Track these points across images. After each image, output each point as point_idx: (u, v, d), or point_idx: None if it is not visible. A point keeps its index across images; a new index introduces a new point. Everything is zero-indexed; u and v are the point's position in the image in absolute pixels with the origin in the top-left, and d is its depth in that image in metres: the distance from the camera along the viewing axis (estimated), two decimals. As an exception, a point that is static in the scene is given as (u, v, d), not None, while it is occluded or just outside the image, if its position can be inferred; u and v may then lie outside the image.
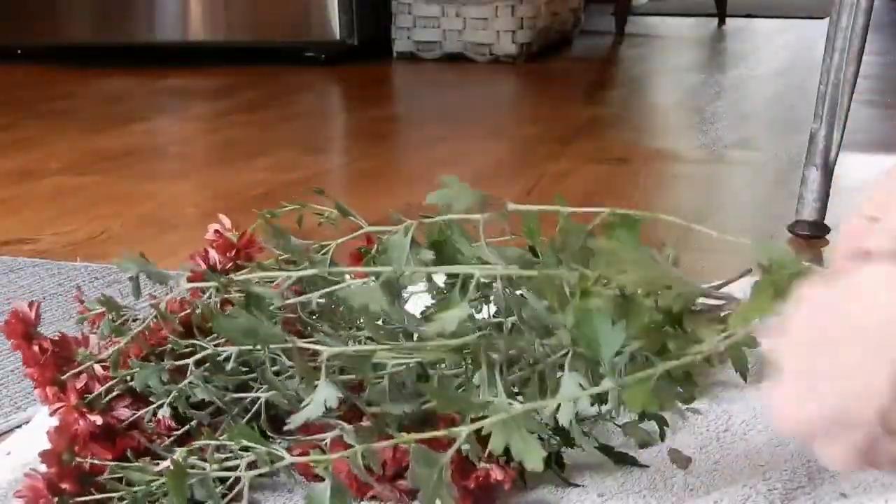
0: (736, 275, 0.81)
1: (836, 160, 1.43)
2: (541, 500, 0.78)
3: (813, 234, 1.43)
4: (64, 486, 0.72)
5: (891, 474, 0.79)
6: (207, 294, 0.81)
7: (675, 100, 2.67)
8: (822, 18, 3.35)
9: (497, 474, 0.73)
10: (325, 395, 0.72)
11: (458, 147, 2.07)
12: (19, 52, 3.11)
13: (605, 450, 0.82)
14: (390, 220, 0.82)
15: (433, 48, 3.09)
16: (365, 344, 0.76)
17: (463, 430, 0.67)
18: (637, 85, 2.91)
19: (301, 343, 0.73)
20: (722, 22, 3.75)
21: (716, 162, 1.92)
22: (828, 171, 1.43)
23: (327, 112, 2.69)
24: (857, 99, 1.45)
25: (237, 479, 0.71)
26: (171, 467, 0.69)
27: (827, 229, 1.43)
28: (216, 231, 0.89)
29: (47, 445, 0.80)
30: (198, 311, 0.81)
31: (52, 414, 0.80)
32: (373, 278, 0.77)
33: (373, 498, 0.74)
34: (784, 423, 0.49)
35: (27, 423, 0.93)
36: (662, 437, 0.83)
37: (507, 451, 0.75)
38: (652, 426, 0.83)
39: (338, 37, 2.95)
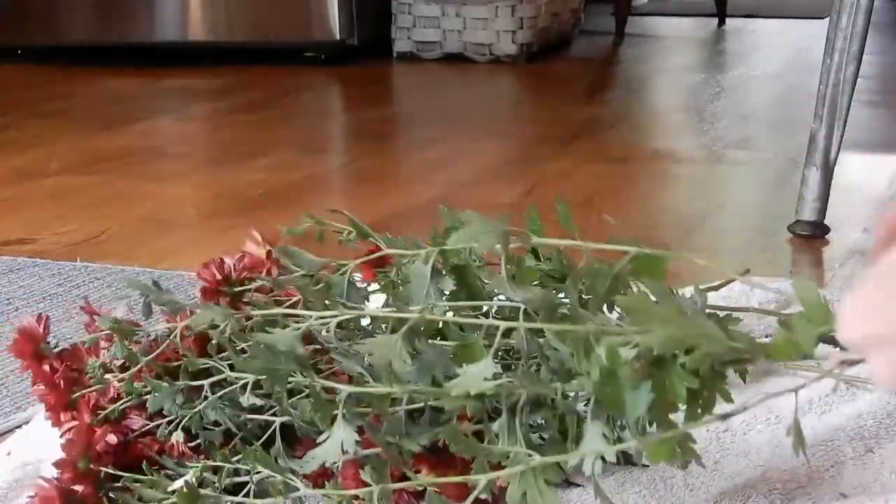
0: (734, 275, 0.80)
1: (836, 160, 1.43)
2: (541, 500, 0.78)
3: (813, 234, 1.43)
4: (77, 487, 0.72)
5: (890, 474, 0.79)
6: (222, 327, 0.79)
7: (675, 100, 2.67)
8: (822, 18, 3.35)
9: None
10: (342, 437, 0.71)
11: (458, 147, 2.07)
12: (19, 52, 3.11)
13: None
14: (407, 243, 0.80)
15: (433, 48, 3.09)
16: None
17: (481, 479, 0.66)
18: (637, 85, 2.91)
19: (319, 382, 0.72)
20: (722, 22, 3.74)
21: (716, 162, 1.92)
22: (828, 171, 1.43)
23: (327, 112, 2.69)
24: (857, 99, 1.45)
25: (245, 494, 0.70)
26: (184, 489, 0.69)
27: (827, 229, 1.43)
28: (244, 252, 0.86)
29: (48, 445, 0.80)
30: (212, 342, 0.79)
31: (62, 435, 0.77)
32: (390, 327, 0.75)
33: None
34: (846, 330, 0.53)
35: (27, 423, 0.93)
36: (662, 438, 0.83)
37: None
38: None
39: (338, 37, 2.95)
